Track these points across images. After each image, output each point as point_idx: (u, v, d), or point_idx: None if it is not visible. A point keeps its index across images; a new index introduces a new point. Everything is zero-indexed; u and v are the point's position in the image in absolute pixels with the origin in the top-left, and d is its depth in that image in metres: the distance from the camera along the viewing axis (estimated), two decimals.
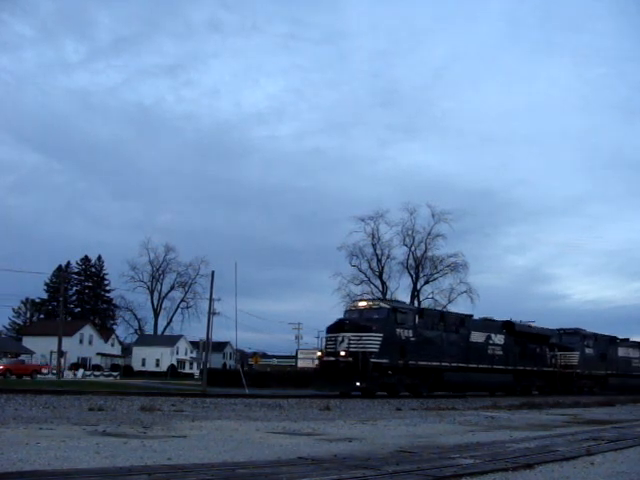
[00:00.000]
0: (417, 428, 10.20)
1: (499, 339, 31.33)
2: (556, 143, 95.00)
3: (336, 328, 25.10)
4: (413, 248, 55.69)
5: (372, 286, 55.31)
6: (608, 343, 40.28)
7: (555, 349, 36.36)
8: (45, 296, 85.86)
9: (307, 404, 17.33)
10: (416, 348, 25.64)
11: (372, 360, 23.52)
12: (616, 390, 37.61)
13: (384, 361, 24.18)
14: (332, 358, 24.20)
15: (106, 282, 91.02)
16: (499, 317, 36.02)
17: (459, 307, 50.44)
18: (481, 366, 29.38)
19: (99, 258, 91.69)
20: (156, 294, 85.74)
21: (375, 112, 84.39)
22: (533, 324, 36.39)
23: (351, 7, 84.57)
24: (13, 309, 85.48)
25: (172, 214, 66.05)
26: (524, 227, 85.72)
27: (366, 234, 54.90)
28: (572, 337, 37.71)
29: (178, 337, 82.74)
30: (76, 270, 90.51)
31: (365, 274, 55.41)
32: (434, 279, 55.97)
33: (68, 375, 53.64)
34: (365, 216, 54.53)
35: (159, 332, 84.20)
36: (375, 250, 55.41)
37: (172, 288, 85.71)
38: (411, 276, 55.83)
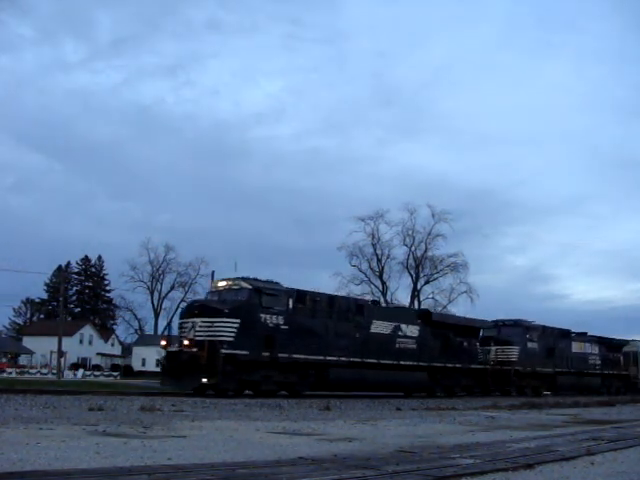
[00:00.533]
0: (417, 428, 10.21)
1: (412, 330, 26.71)
2: (556, 143, 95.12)
3: (187, 313, 21.31)
4: (413, 248, 55.72)
5: (372, 286, 55.32)
6: (559, 337, 36.06)
7: (491, 343, 32.02)
8: (45, 296, 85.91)
9: (307, 404, 17.34)
10: (289, 338, 21.28)
11: (224, 351, 19.33)
12: (567, 390, 34.74)
13: (241, 353, 19.86)
14: (176, 348, 20.46)
15: (106, 282, 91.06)
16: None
17: (459, 307, 50.48)
18: (384, 362, 24.68)
19: (99, 258, 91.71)
20: (156, 294, 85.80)
21: (375, 112, 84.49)
22: (455, 314, 32.75)
23: (351, 7, 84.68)
24: (13, 309, 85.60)
25: (172, 214, 66.12)
26: (524, 227, 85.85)
27: (366, 234, 54.92)
28: (512, 329, 33.09)
29: (178, 337, 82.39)
30: (76, 270, 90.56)
31: (365, 274, 55.43)
32: (434, 279, 56.00)
33: (68, 375, 53.67)
34: (365, 216, 54.55)
35: (159, 332, 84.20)
36: (375, 250, 55.45)
37: (172, 288, 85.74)
38: (411, 276, 55.85)
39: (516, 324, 33.48)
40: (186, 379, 19.53)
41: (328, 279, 52.63)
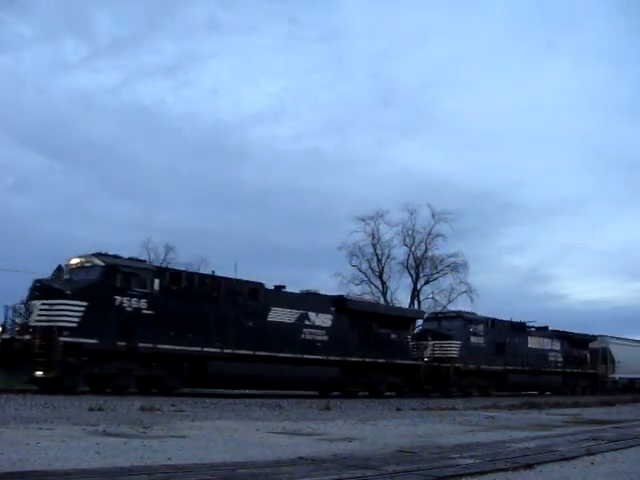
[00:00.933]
0: (417, 428, 10.21)
1: (323, 320, 23.20)
2: (556, 143, 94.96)
3: (29, 294, 18.18)
4: (413, 248, 55.56)
5: (372, 286, 55.23)
6: (511, 331, 32.47)
7: (428, 337, 28.38)
8: None
9: (307, 404, 17.34)
10: (155, 325, 18.00)
11: (64, 339, 16.20)
12: (522, 390, 32.24)
13: (88, 342, 16.66)
14: (9, 335, 17.24)
15: None
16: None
17: (459, 307, 50.33)
18: (283, 355, 21.17)
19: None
20: None
21: (375, 112, 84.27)
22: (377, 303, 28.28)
23: (350, 7, 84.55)
24: (13, 309, 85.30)
25: (172, 214, 65.92)
26: (524, 227, 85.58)
27: (366, 234, 54.70)
28: (452, 322, 29.49)
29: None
30: None
31: (365, 274, 55.24)
32: (434, 279, 55.80)
33: None
34: (365, 216, 54.28)
35: None
36: (375, 250, 55.28)
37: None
38: (411, 276, 55.70)
39: (458, 316, 30.12)
40: (17, 372, 16.45)
41: (328, 279, 52.43)
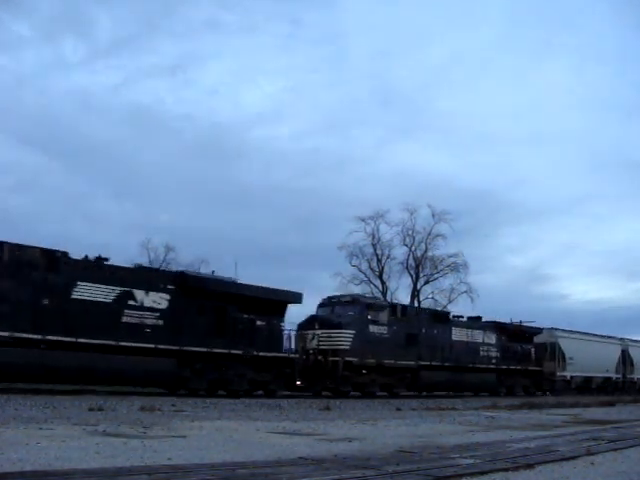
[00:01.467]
0: (417, 428, 10.21)
1: (155, 300, 19.03)
2: (556, 143, 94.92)
3: None
4: (413, 248, 55.47)
5: (372, 286, 55.14)
6: (428, 321, 27.37)
7: (315, 325, 23.53)
8: None
9: (307, 404, 17.34)
10: None
11: None
12: (440, 389, 27.87)
13: None
14: None
15: None
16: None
17: (459, 307, 50.28)
18: (87, 341, 17.01)
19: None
20: None
21: (375, 112, 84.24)
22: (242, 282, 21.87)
23: (350, 7, 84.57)
24: None
25: (172, 214, 65.84)
26: (524, 227, 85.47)
27: (366, 234, 54.57)
28: (347, 308, 24.50)
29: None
30: None
31: (365, 274, 55.13)
32: (434, 279, 55.70)
33: None
34: (365, 216, 54.13)
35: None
36: (375, 250, 55.20)
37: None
38: (411, 276, 55.61)
39: (354, 301, 25.08)
40: None
41: (328, 279, 52.30)
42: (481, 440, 8.39)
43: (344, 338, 23.32)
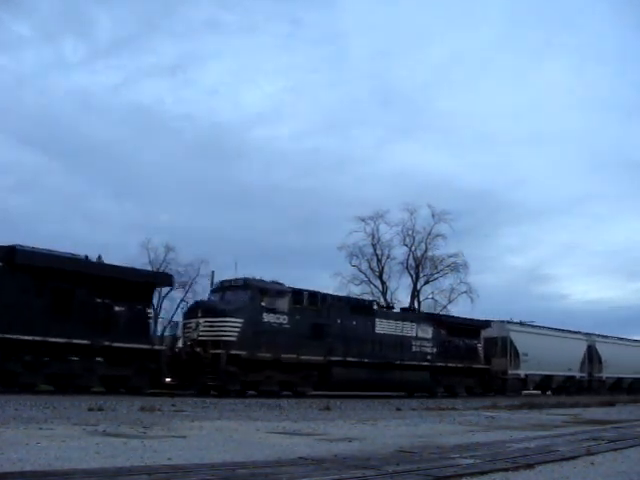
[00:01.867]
0: (417, 428, 10.21)
1: None
2: (556, 143, 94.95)
3: None
4: (413, 248, 55.52)
5: (372, 286, 55.16)
6: (344, 310, 23.90)
7: (198, 313, 20.90)
8: None
9: (307, 404, 17.34)
10: None
11: None
12: (356, 389, 24.27)
13: None
14: None
15: None
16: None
17: (459, 307, 50.32)
18: None
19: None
20: (156, 294, 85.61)
21: (375, 112, 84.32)
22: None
23: (350, 7, 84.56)
24: None
25: (172, 214, 65.85)
26: (524, 227, 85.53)
27: (366, 234, 54.62)
28: (237, 294, 21.34)
29: (179, 337, 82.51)
30: None
31: (365, 274, 55.18)
32: (434, 279, 55.79)
33: None
34: (365, 216, 54.20)
35: (158, 333, 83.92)
36: (375, 250, 55.25)
37: (172, 288, 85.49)
38: (411, 276, 55.66)
39: (245, 285, 21.47)
40: None
41: (328, 279, 52.30)
42: (481, 440, 8.39)
43: (229, 328, 20.04)
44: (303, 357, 21.84)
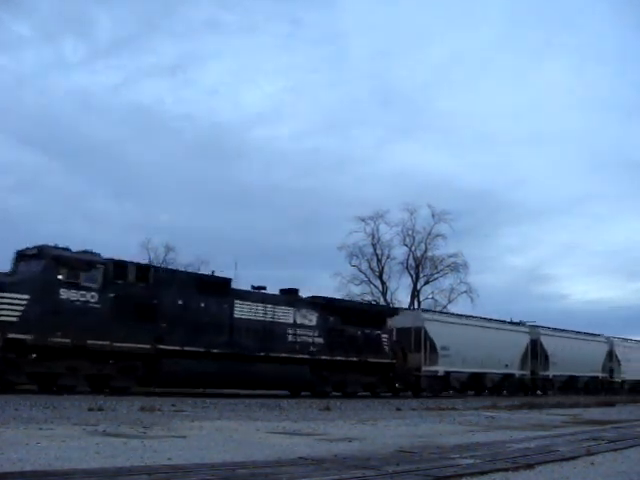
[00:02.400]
0: (417, 428, 10.21)
1: None
2: (556, 143, 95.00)
3: None
4: (413, 248, 55.55)
5: (372, 286, 55.17)
6: (189, 288, 19.70)
7: None
8: None
9: (307, 404, 17.34)
10: None
11: None
12: (196, 385, 20.03)
13: None
14: None
15: None
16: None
17: (459, 307, 50.34)
18: None
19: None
20: None
21: (375, 112, 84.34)
22: None
23: (350, 7, 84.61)
24: None
25: (172, 214, 65.83)
26: (524, 227, 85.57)
27: (366, 234, 54.64)
28: (29, 264, 17.19)
29: None
30: None
31: (365, 274, 55.21)
32: (434, 279, 55.83)
33: None
34: (365, 216, 54.24)
35: None
36: (375, 250, 55.29)
37: None
38: (411, 276, 55.69)
39: (40, 254, 17.20)
40: None
41: (328, 279, 52.32)
42: (481, 440, 8.39)
43: (8, 305, 16.00)
44: (119, 344, 17.51)
